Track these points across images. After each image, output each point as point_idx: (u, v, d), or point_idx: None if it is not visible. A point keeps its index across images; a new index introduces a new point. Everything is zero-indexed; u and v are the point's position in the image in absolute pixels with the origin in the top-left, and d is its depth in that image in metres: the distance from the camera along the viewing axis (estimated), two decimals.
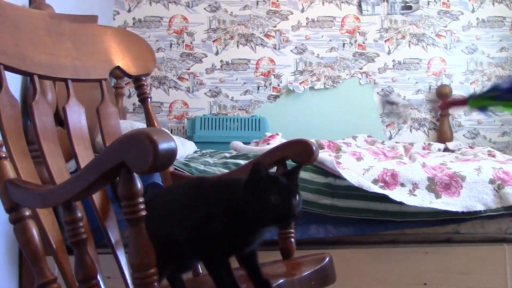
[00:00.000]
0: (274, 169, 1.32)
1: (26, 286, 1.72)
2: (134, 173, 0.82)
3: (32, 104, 1.19)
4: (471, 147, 2.77)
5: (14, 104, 1.15)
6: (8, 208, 1.01)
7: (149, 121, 1.51)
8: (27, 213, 1.02)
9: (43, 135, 1.20)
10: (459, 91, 3.31)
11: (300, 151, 1.27)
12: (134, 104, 3.26)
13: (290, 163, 1.32)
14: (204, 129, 3.02)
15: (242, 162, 1.90)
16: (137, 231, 0.83)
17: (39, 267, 0.99)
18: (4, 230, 1.61)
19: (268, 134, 2.64)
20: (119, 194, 0.83)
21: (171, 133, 3.13)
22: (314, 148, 1.26)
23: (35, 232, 1.01)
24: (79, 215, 0.93)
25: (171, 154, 0.78)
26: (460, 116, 3.32)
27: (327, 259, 1.22)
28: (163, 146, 0.76)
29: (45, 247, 1.06)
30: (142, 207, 0.83)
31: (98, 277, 1.21)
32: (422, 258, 1.82)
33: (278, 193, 0.94)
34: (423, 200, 1.76)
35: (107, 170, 0.82)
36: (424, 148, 2.77)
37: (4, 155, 1.04)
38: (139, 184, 0.83)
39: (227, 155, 2.19)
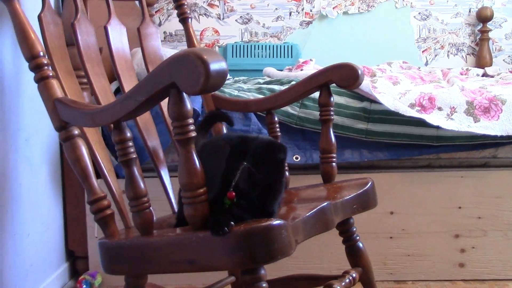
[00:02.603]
0: (317, 94, 1.30)
1: (70, 209, 1.80)
2: (184, 94, 0.81)
3: (74, 23, 1.17)
4: (511, 72, 2.67)
5: (57, 22, 1.14)
6: (57, 127, 1.02)
7: (190, 41, 1.49)
8: (76, 131, 1.03)
9: (86, 55, 1.19)
10: (501, 14, 3.15)
11: (345, 75, 1.24)
12: (165, 32, 3.22)
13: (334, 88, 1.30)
14: (236, 56, 2.98)
15: (276, 87, 1.89)
16: (187, 151, 0.83)
17: (89, 184, 1.01)
18: (47, 154, 1.67)
19: (301, 60, 2.60)
20: (169, 114, 0.83)
21: None
22: (359, 72, 1.23)
23: (84, 150, 1.02)
24: (128, 134, 0.94)
25: (223, 74, 0.77)
26: (501, 40, 3.19)
27: (370, 184, 1.23)
28: (214, 66, 0.75)
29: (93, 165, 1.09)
30: (192, 128, 0.83)
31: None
32: (457, 182, 1.81)
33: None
34: (460, 124, 1.73)
35: (157, 90, 0.81)
36: (462, 74, 2.69)
37: (51, 74, 1.04)
38: (189, 105, 0.82)
39: (260, 81, 2.18)
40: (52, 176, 1.71)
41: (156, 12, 3.18)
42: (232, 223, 0.83)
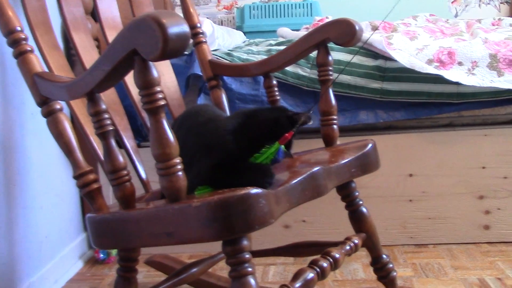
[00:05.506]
0: (315, 53, 1.23)
1: None
2: (149, 61, 0.77)
3: None
4: None
5: None
6: (38, 102, 1.01)
7: (185, 9, 1.44)
8: (58, 106, 1.02)
9: (73, 26, 1.17)
10: None
11: (342, 32, 1.16)
12: None
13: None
14: (254, 17, 2.90)
15: None
16: (157, 120, 0.80)
17: (74, 159, 1.00)
18: None
19: (318, 18, 2.50)
20: (135, 83, 0.80)
21: (221, 24, 3.04)
22: (357, 27, 1.15)
23: (67, 124, 1.01)
24: (103, 106, 0.91)
25: (183, 37, 0.73)
26: None
27: (370, 145, 1.16)
28: (173, 29, 0.71)
29: (81, 139, 1.08)
30: (161, 96, 0.79)
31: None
32: (481, 140, 1.72)
33: None
34: (483, 79, 1.62)
35: (120, 58, 0.78)
36: (493, 24, 2.52)
37: (29, 49, 1.03)
38: (154, 73, 0.78)
39: (272, 42, 2.10)
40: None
41: None
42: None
